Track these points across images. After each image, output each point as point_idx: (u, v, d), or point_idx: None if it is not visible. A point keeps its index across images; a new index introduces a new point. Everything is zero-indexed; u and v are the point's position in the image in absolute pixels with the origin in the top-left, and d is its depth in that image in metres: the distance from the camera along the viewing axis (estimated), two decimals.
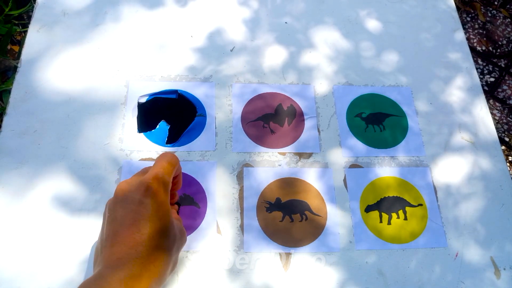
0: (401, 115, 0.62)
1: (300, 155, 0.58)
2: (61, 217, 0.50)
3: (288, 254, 0.51)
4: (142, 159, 0.55)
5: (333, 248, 0.52)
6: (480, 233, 0.55)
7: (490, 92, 1.37)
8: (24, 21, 1.25)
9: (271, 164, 0.56)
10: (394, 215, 0.55)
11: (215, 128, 0.58)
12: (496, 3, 1.56)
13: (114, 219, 0.38)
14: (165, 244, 0.39)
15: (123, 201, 0.39)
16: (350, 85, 0.64)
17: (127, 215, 0.38)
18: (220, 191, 0.54)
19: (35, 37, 0.62)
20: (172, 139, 0.56)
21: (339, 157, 0.58)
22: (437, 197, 0.57)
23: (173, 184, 0.46)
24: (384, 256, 0.52)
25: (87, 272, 0.48)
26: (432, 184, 0.57)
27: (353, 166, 0.57)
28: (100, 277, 0.34)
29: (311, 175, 0.56)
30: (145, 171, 0.43)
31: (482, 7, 1.54)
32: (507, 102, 1.36)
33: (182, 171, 0.54)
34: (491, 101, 1.36)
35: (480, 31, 1.49)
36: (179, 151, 0.56)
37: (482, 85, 1.25)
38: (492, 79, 1.40)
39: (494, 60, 1.43)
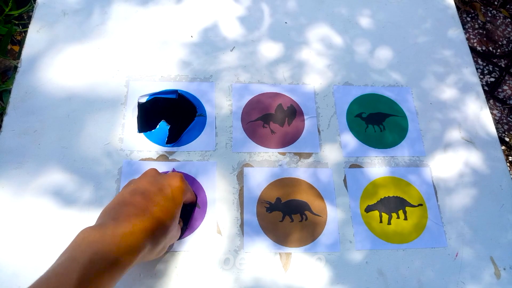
0: (401, 115, 0.62)
1: (300, 155, 0.57)
2: (61, 216, 0.50)
3: (288, 254, 0.51)
4: (142, 159, 0.55)
5: (333, 248, 0.52)
6: (480, 233, 0.55)
7: (490, 92, 1.37)
8: (24, 21, 1.25)
9: (271, 164, 0.56)
10: (394, 215, 0.55)
11: (215, 128, 0.58)
12: (496, 3, 1.56)
13: (136, 189, 0.42)
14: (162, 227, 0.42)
15: (152, 177, 0.44)
16: (350, 85, 0.64)
17: (151, 188, 0.42)
18: (220, 191, 0.54)
19: (35, 37, 0.62)
20: (172, 139, 0.56)
21: (339, 157, 0.58)
22: (437, 197, 0.57)
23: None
24: (384, 256, 0.52)
25: None
26: (432, 184, 0.57)
27: (353, 166, 0.57)
28: (103, 226, 0.37)
29: (311, 175, 0.56)
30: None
31: (482, 7, 1.54)
32: (507, 102, 1.36)
33: (182, 171, 0.54)
34: (491, 101, 1.36)
35: (480, 31, 1.49)
36: (179, 151, 0.56)
37: (482, 85, 1.25)
38: (492, 79, 1.40)
39: (494, 60, 1.43)
